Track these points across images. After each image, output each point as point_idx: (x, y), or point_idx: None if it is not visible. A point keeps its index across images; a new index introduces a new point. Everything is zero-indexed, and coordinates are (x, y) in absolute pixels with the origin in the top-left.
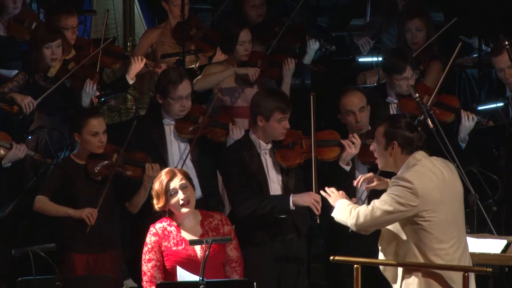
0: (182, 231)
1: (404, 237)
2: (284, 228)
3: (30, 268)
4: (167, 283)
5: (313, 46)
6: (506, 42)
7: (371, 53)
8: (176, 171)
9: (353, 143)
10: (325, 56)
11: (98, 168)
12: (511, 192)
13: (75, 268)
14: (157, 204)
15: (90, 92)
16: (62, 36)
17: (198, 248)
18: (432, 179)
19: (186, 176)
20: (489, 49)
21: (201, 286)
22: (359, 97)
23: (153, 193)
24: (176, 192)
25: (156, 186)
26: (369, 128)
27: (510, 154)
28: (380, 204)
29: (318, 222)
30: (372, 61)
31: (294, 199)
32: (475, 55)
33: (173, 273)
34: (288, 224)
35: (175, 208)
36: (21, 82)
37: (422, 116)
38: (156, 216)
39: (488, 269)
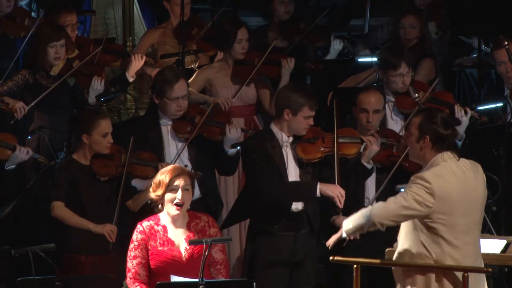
0: (169, 231)
1: (417, 238)
2: (298, 222)
3: (30, 268)
4: (167, 283)
5: (337, 46)
6: (506, 42)
7: (371, 53)
8: (185, 171)
9: (374, 140)
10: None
11: (105, 169)
12: (510, 192)
13: (75, 269)
14: (154, 192)
15: (98, 88)
16: (66, 36)
17: (183, 250)
18: (452, 181)
19: (191, 179)
20: (489, 49)
21: (201, 286)
22: (377, 99)
23: (154, 181)
24: (176, 190)
25: (161, 176)
26: (378, 129)
27: (510, 154)
28: (397, 199)
29: (340, 214)
30: (372, 61)
31: (321, 187)
32: (474, 55)
33: (158, 272)
34: (302, 219)
35: (167, 204)
36: (20, 82)
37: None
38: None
39: (487, 269)
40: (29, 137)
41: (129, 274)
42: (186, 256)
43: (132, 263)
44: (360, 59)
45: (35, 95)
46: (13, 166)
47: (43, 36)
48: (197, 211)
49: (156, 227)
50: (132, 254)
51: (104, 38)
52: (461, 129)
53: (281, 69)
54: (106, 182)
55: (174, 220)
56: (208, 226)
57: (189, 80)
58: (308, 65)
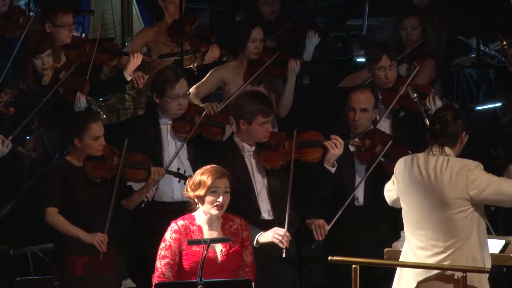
0: (204, 232)
1: None
2: (269, 229)
3: (28, 268)
4: (166, 283)
5: (312, 39)
6: (505, 42)
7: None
8: (225, 173)
9: (335, 144)
10: (323, 55)
11: (97, 171)
12: None
13: (73, 269)
14: (194, 192)
15: (81, 105)
16: (51, 45)
17: (218, 251)
18: (405, 169)
19: (230, 181)
20: (487, 49)
21: (199, 286)
22: (366, 97)
23: (193, 181)
24: (217, 193)
25: (202, 177)
26: (372, 127)
27: (508, 154)
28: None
29: (313, 247)
30: None
31: (259, 239)
32: (473, 55)
33: (191, 272)
34: (273, 226)
35: (207, 205)
36: (20, 89)
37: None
38: (154, 216)
39: (486, 269)
40: (27, 137)
41: (156, 273)
42: (221, 257)
43: (160, 263)
44: (359, 59)
45: (29, 101)
46: None
47: (28, 49)
48: (229, 214)
49: (191, 227)
50: (162, 253)
51: (98, 37)
52: None
53: (287, 70)
54: (99, 184)
55: (210, 221)
56: (241, 229)
57: (203, 80)
58: (313, 67)
